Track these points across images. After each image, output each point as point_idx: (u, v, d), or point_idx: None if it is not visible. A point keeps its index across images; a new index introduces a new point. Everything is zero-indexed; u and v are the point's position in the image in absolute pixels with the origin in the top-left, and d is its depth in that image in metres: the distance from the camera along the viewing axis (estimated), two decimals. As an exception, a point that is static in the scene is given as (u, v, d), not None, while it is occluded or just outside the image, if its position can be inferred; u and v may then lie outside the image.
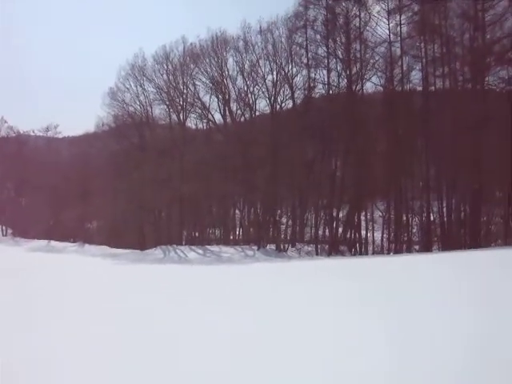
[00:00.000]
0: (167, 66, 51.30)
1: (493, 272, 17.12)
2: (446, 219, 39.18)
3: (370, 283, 17.44)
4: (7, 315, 13.22)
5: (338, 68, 44.76)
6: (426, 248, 38.30)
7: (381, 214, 43.88)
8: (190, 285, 21.66)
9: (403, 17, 41.91)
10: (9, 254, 45.49)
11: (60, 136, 72.63)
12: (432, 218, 39.99)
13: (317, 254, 40.67)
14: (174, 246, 45.08)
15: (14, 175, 68.49)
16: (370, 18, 42.80)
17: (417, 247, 40.11)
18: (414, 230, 41.66)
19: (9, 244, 56.42)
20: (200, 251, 42.11)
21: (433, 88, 41.47)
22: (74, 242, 58.09)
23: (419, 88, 42.52)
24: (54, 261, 38.93)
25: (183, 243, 47.75)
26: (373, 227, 43.47)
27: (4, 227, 72.12)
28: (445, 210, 39.17)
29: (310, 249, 42.57)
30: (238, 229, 52.16)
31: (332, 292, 16.08)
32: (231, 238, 50.18)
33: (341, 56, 44.41)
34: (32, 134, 71.92)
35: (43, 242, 56.13)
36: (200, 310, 13.94)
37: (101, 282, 24.11)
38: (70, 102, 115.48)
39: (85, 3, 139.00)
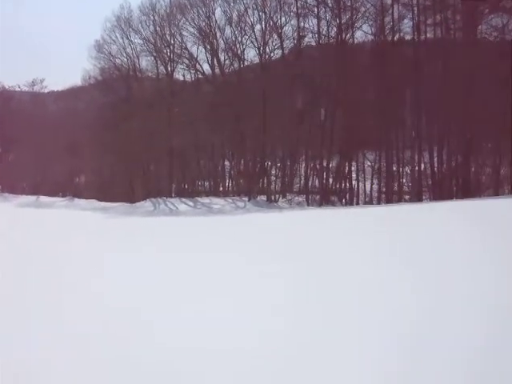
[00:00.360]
0: (154, 17, 50.00)
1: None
2: (436, 169, 38.91)
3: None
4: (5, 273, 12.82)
5: (328, 17, 43.79)
6: (417, 198, 38.09)
7: (370, 163, 43.50)
8: (189, 235, 21.54)
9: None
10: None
11: (46, 90, 71.34)
12: (423, 168, 39.70)
13: (308, 205, 40.43)
14: (164, 198, 44.73)
15: (0, 131, 67.29)
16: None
17: (407, 197, 39.93)
18: (404, 181, 41.45)
19: (-3, 200, 55.78)
20: (190, 203, 41.75)
21: (423, 37, 40.81)
22: (62, 196, 57.53)
23: (410, 37, 41.80)
24: (45, 216, 38.44)
25: (173, 195, 47.39)
26: (364, 178, 43.12)
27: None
28: (436, 160, 38.88)
29: (300, 199, 42.30)
30: (227, 180, 51.76)
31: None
32: (221, 189, 49.86)
33: (331, 4, 43.45)
34: (17, 88, 70.65)
35: (32, 198, 55.41)
36: (215, 257, 14.31)
37: (95, 235, 23.80)
38: (56, 56, 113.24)
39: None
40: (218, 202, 41.14)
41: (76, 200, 51.47)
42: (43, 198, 54.08)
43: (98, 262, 14.59)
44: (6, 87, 70.62)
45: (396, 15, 41.36)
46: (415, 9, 40.29)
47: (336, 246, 15.14)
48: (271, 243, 16.38)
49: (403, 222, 19.82)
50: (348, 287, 10.08)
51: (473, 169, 37.49)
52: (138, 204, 44.02)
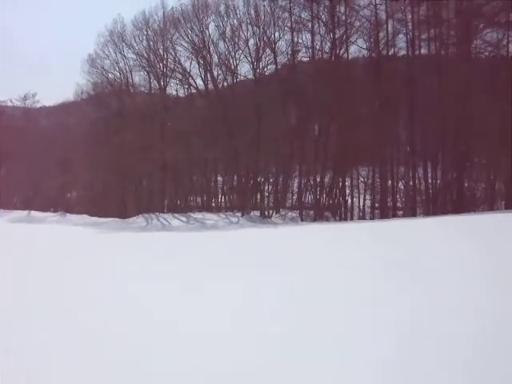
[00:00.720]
0: (147, 32, 49.76)
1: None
2: (430, 184, 38.69)
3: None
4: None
5: (322, 32, 43.63)
6: (411, 213, 37.82)
7: (363, 179, 43.31)
8: (184, 250, 21.15)
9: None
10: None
11: (38, 105, 71.08)
12: (417, 183, 39.49)
13: (302, 220, 40.06)
14: (157, 213, 44.38)
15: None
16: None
17: (400, 213, 39.69)
18: (398, 196, 41.24)
19: (-14, 215, 55.24)
20: (183, 218, 41.35)
21: (418, 52, 40.73)
22: (54, 211, 57.14)
23: (404, 52, 41.73)
24: (38, 231, 38.06)
25: (165, 211, 47.05)
26: (358, 193, 42.87)
27: (-18, 198, 70.92)
28: (430, 175, 38.69)
29: (294, 215, 41.95)
30: (220, 196, 51.45)
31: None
32: (213, 205, 49.56)
33: (325, 19, 43.32)
34: (9, 103, 70.40)
35: (23, 213, 54.95)
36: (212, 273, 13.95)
37: (87, 250, 23.44)
38: (48, 71, 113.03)
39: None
40: (211, 218, 40.72)
41: (68, 215, 51.06)
42: (35, 213, 53.69)
43: (90, 278, 14.22)
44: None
45: (391, 30, 41.27)
46: (409, 24, 40.18)
47: (332, 259, 14.84)
48: (267, 257, 16.07)
49: (398, 237, 19.53)
50: (342, 298, 9.88)
51: (466, 184, 37.26)
52: (130, 219, 43.62)
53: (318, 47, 43.66)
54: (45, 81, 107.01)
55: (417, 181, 39.00)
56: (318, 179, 42.00)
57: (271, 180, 46.50)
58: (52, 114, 71.01)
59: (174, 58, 48.86)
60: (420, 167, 39.25)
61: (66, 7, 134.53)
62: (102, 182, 52.47)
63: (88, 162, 53.82)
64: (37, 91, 69.23)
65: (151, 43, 49.73)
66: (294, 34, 44.54)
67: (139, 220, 42.53)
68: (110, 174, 49.57)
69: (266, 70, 46.33)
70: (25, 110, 69.91)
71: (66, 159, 57.89)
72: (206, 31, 46.30)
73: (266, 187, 45.64)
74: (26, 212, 55.29)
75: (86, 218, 47.27)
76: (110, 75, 53.22)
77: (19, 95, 68.60)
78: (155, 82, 50.83)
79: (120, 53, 51.43)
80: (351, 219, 40.37)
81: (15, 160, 63.22)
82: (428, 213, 36.98)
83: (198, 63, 48.10)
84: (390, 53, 41.56)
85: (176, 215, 42.93)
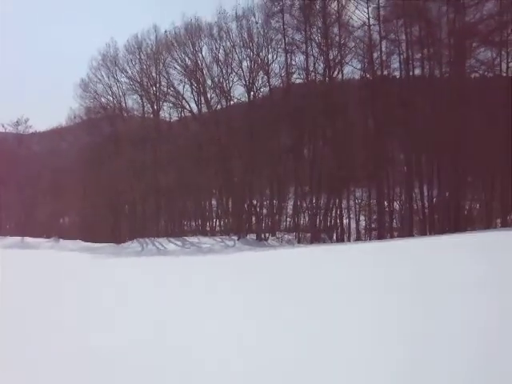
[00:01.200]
0: (140, 56, 49.95)
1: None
2: (427, 204, 38.58)
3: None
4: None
5: (316, 53, 43.62)
6: (408, 234, 37.63)
7: (357, 200, 43.24)
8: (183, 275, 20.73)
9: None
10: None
11: (31, 130, 70.77)
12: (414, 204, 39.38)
13: (299, 242, 39.81)
14: (152, 238, 44.11)
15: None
16: (348, 0, 41.89)
17: (396, 233, 39.52)
18: (394, 216, 41.16)
19: (-21, 242, 54.69)
20: (179, 243, 41.06)
21: (412, 73, 40.82)
22: (47, 237, 56.73)
23: (397, 73, 41.82)
24: (33, 257, 37.46)
25: (160, 235, 46.75)
26: (355, 214, 42.71)
27: (-26, 224, 70.55)
28: (426, 195, 38.60)
29: (290, 237, 41.73)
30: (214, 219, 51.24)
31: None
32: (208, 228, 49.35)
33: (318, 41, 43.41)
34: (1, 128, 70.23)
35: (17, 239, 54.40)
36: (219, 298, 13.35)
37: (85, 276, 23.11)
38: (41, 96, 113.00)
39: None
40: (206, 241, 40.41)
41: (61, 241, 50.63)
42: (28, 239, 53.21)
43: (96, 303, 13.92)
44: (-11, 127, 70.49)
45: (384, 50, 41.34)
46: (403, 44, 40.23)
47: (335, 281, 14.55)
48: (270, 281, 15.76)
49: (396, 258, 19.27)
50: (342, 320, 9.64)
51: (462, 203, 37.19)
52: (124, 244, 43.33)
53: (311, 68, 43.68)
54: (37, 106, 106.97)
55: (414, 201, 38.86)
56: (314, 201, 41.83)
57: (266, 202, 46.36)
58: (44, 139, 70.76)
59: (167, 81, 48.93)
60: (416, 188, 39.20)
61: (58, 31, 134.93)
62: (94, 206, 52.18)
63: (81, 187, 53.66)
64: (29, 117, 68.96)
65: (144, 67, 49.90)
66: (288, 55, 44.57)
67: (134, 245, 42.20)
68: (103, 198, 49.35)
69: (259, 92, 46.34)
70: (17, 135, 69.64)
71: (58, 184, 57.72)
72: (199, 54, 46.51)
73: (261, 210, 45.48)
74: (19, 238, 54.80)
75: (80, 243, 46.91)
76: (102, 99, 53.37)
77: (11, 120, 68.35)
78: (148, 105, 50.91)
79: (113, 77, 51.62)
80: (348, 240, 40.13)
81: (7, 185, 62.90)
82: (424, 233, 36.85)
83: (192, 86, 48.21)
84: (384, 73, 41.52)
85: (171, 239, 42.67)
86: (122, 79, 51.67)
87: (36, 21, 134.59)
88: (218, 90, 47.04)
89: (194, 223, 51.74)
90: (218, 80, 46.58)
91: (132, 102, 52.78)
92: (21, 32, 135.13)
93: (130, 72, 50.73)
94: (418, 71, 40.52)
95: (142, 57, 49.88)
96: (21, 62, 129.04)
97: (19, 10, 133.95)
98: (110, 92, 52.54)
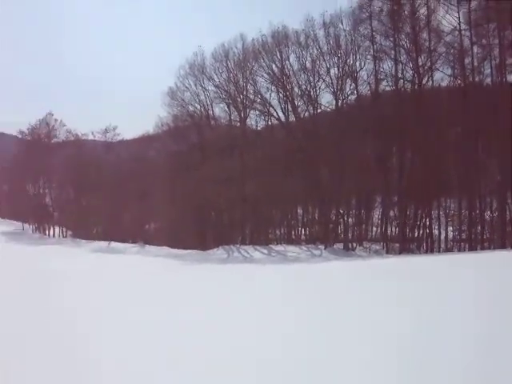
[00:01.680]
0: (227, 64, 50.74)
1: None
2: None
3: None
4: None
5: (404, 59, 43.08)
6: (500, 245, 36.45)
7: (447, 210, 42.26)
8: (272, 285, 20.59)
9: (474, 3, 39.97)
10: (75, 255, 45.14)
11: (118, 138, 72.62)
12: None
13: (387, 253, 39.22)
14: (237, 245, 44.37)
15: (74, 178, 68.83)
16: (438, 5, 41.12)
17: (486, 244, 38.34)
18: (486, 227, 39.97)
19: (70, 245, 56.17)
20: (264, 251, 41.21)
21: (504, 79, 39.61)
22: (133, 242, 57.88)
23: (489, 79, 40.73)
24: (120, 262, 38.51)
25: (246, 243, 46.94)
26: (446, 224, 41.74)
27: (64, 229, 72.79)
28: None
29: (377, 247, 41.25)
30: (299, 228, 51.13)
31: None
32: (293, 237, 49.29)
33: (407, 47, 42.79)
34: (91, 136, 72.42)
35: (103, 244, 55.88)
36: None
37: (174, 281, 23.47)
38: (129, 105, 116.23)
39: (141, 3, 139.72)
40: (292, 250, 40.38)
41: (147, 246, 51.57)
42: (114, 244, 54.47)
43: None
44: (79, 135, 72.91)
45: (476, 56, 40.34)
46: (496, 49, 39.07)
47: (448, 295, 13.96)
48: (360, 291, 15.37)
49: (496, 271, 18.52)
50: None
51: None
52: (210, 251, 43.77)
53: (400, 75, 43.07)
54: (125, 115, 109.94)
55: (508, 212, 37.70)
56: (402, 211, 41.18)
57: (352, 212, 45.97)
58: (132, 147, 72.41)
59: (254, 89, 49.46)
60: (509, 198, 38.03)
61: (147, 40, 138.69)
62: (181, 213, 52.87)
63: (167, 194, 54.52)
64: (117, 125, 70.83)
65: (231, 75, 50.40)
66: (376, 62, 44.22)
67: (219, 252, 42.64)
68: (190, 205, 49.95)
69: (347, 99, 46.09)
70: (105, 142, 71.56)
71: (144, 191, 58.85)
72: (287, 62, 46.82)
73: (348, 219, 45.06)
74: (105, 243, 56.11)
75: (165, 249, 47.63)
76: (190, 107, 54.58)
77: (100, 128, 70.34)
78: (235, 113, 51.49)
79: (200, 85, 52.59)
80: (438, 251, 39.20)
81: (95, 192, 64.62)
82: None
83: (278, 94, 48.46)
84: (475, 79, 40.47)
85: (257, 247, 42.81)
86: (210, 87, 52.66)
87: (128, 31, 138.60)
88: (305, 98, 47.13)
89: (279, 231, 51.70)
90: (306, 87, 46.76)
91: (219, 110, 53.69)
92: (110, 42, 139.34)
93: (217, 80, 51.69)
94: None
95: (229, 65, 50.56)
96: (110, 72, 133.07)
97: (106, 19, 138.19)
98: (197, 100, 53.70)
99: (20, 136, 78.11)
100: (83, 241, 59.73)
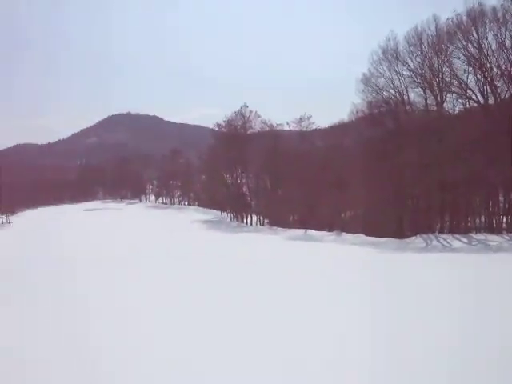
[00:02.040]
0: (421, 47, 49.67)
1: None
2: None
3: None
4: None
5: None
6: None
7: None
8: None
9: None
10: (273, 242, 46.87)
11: (313, 127, 73.57)
12: None
13: None
14: (436, 234, 43.37)
15: (270, 167, 70.97)
16: None
17: None
18: None
19: (267, 233, 57.96)
20: (464, 240, 39.86)
21: None
22: (329, 230, 58.33)
23: None
24: (318, 249, 39.59)
25: (444, 231, 45.71)
26: None
27: (261, 217, 75.27)
28: None
29: None
30: (500, 215, 48.80)
31: None
32: (494, 225, 47.14)
33: None
34: (286, 126, 73.98)
35: (300, 231, 56.88)
36: None
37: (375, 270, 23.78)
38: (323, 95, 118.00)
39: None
40: (494, 239, 38.54)
41: (343, 234, 51.80)
42: (311, 232, 55.24)
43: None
44: (274, 125, 74.97)
45: None
46: None
47: None
48: None
49: None
50: None
51: None
52: (408, 240, 43.18)
53: None
54: (321, 105, 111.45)
55: None
56: None
57: None
58: (326, 136, 72.91)
59: (451, 71, 47.93)
60: None
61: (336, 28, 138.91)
62: (378, 201, 52.56)
63: (364, 181, 54.44)
64: (311, 114, 71.88)
65: (426, 58, 49.33)
66: None
67: (417, 241, 41.95)
68: (388, 192, 49.50)
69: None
70: (300, 132, 72.71)
71: (340, 179, 59.07)
72: (484, 41, 44.79)
73: None
74: (301, 231, 57.06)
75: (362, 237, 47.67)
76: (384, 93, 54.10)
77: (295, 118, 71.64)
78: (431, 97, 50.23)
79: (394, 70, 51.99)
80: None
81: (292, 181, 66.03)
82: None
83: (476, 76, 46.60)
84: None
85: (456, 236, 41.54)
86: (404, 72, 51.92)
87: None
88: (505, 78, 44.87)
89: (478, 219, 49.75)
90: (505, 67, 44.46)
91: (414, 94, 52.83)
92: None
93: (411, 64, 50.77)
94: None
95: (424, 48, 49.38)
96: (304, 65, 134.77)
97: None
98: (391, 85, 53.12)
99: (217, 128, 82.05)
100: (279, 228, 61.18)
